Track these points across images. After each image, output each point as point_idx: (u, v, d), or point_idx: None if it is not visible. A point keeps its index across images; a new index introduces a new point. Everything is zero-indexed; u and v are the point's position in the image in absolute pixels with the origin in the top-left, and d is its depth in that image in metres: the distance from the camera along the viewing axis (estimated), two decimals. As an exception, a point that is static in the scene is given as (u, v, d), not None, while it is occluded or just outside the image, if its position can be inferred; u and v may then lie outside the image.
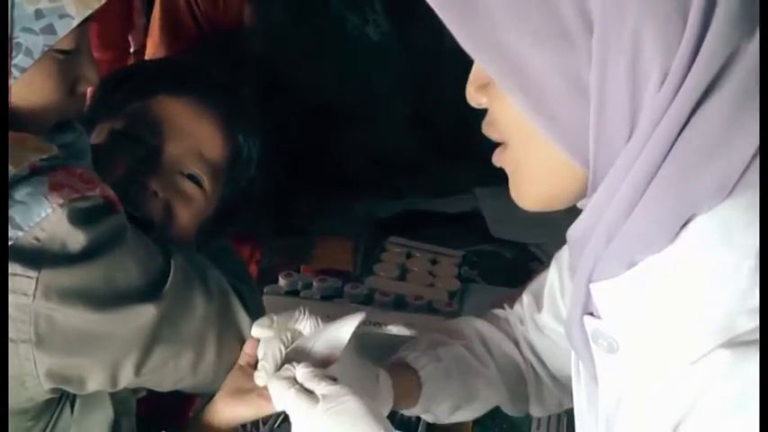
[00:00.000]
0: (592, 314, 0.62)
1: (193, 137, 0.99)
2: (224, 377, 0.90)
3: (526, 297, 1.03)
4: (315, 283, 1.44)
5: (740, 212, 0.54)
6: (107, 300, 0.77)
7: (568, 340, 0.68)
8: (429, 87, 2.22)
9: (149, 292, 0.80)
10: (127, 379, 0.82)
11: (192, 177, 0.99)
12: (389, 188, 1.96)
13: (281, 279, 1.45)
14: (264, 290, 1.42)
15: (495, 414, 1.28)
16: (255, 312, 0.92)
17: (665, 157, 0.52)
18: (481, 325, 1.05)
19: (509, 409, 1.05)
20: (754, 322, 0.53)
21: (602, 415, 0.67)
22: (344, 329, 0.87)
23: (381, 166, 1.98)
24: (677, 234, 0.55)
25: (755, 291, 0.53)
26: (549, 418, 1.27)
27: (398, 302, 1.43)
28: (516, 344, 1.03)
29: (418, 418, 1.13)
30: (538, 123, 0.56)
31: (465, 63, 0.62)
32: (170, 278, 0.82)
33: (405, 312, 1.39)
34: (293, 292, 1.42)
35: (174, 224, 0.97)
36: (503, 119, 0.61)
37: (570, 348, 0.71)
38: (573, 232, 0.61)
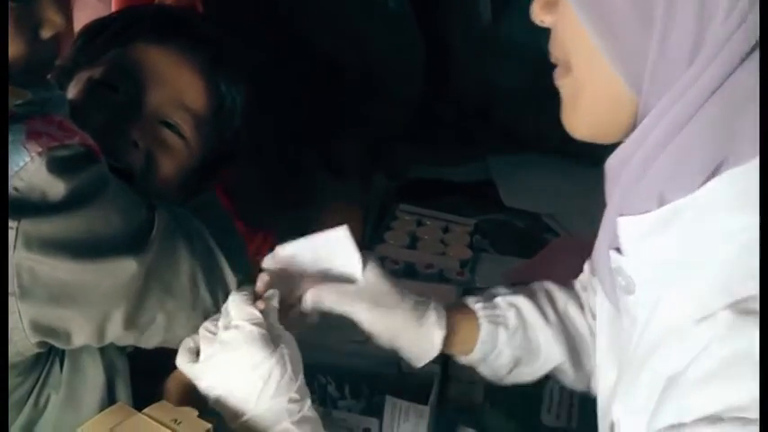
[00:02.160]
0: (618, 250, 0.64)
1: (174, 85, 0.97)
2: None
3: (587, 264, 0.98)
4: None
5: None
6: (89, 250, 0.75)
7: (597, 274, 0.70)
8: (443, 60, 2.21)
9: (132, 243, 0.79)
10: (115, 333, 0.80)
11: (172, 127, 0.96)
12: (401, 155, 1.94)
13: (287, 246, 1.40)
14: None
15: (507, 390, 1.27)
16: (242, 269, 0.90)
17: (713, 93, 0.54)
18: (549, 284, 1.00)
19: (570, 378, 0.97)
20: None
21: (618, 361, 0.69)
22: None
23: (391, 134, 1.96)
24: (706, 180, 0.56)
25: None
26: (562, 395, 1.24)
27: (409, 271, 1.39)
28: (582, 309, 0.97)
29: (429, 387, 1.10)
30: (600, 42, 0.58)
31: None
32: (153, 231, 0.81)
33: (415, 281, 1.35)
34: (301, 261, 1.38)
35: (155, 175, 0.95)
36: (568, 38, 0.62)
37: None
38: (610, 161, 0.62)
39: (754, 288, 0.53)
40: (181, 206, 0.93)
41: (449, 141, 2.09)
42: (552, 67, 0.67)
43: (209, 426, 0.75)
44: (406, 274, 1.37)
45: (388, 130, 1.95)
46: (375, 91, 1.93)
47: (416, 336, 0.88)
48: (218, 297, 0.87)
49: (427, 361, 0.91)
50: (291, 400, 0.77)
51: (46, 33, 0.77)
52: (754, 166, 0.55)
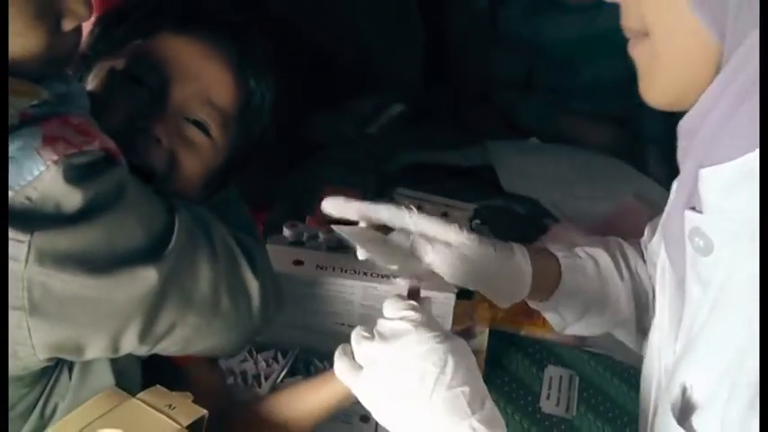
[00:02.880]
0: (693, 209, 0.62)
1: (201, 80, 0.91)
2: (235, 338, 0.85)
3: (648, 227, 0.96)
4: (321, 235, 1.38)
5: None
6: (106, 263, 0.70)
7: (664, 238, 0.68)
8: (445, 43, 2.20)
9: (151, 253, 0.73)
10: (130, 346, 0.76)
11: (198, 124, 0.91)
12: (400, 139, 1.93)
13: (285, 230, 1.39)
14: (268, 240, 1.36)
15: (505, 372, 1.26)
16: (263, 271, 0.86)
17: None
18: (622, 241, 0.98)
19: (631, 338, 0.96)
20: None
21: (685, 328, 0.67)
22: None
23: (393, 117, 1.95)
24: None
25: None
26: (561, 382, 1.23)
27: (407, 255, 1.37)
28: (646, 269, 0.97)
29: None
30: None
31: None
32: (173, 237, 0.75)
33: (414, 266, 1.34)
34: (298, 243, 1.36)
35: (178, 175, 0.90)
36: (650, 3, 0.61)
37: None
38: (687, 118, 0.61)
39: None
40: (200, 204, 0.88)
41: (447, 126, 2.08)
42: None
43: (204, 411, 0.74)
44: (405, 259, 1.35)
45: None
46: (374, 77, 1.92)
47: (507, 273, 0.88)
48: (240, 304, 0.83)
49: (519, 299, 0.91)
50: (472, 394, 0.68)
51: (68, 25, 0.72)
52: None
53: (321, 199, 0.89)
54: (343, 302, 1.11)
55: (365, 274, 1.11)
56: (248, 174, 1.20)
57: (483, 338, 1.17)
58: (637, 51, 0.65)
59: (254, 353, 1.12)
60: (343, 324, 1.12)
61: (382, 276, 1.13)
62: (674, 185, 0.67)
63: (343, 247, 1.37)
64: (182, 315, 0.77)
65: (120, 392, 0.75)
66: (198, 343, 0.82)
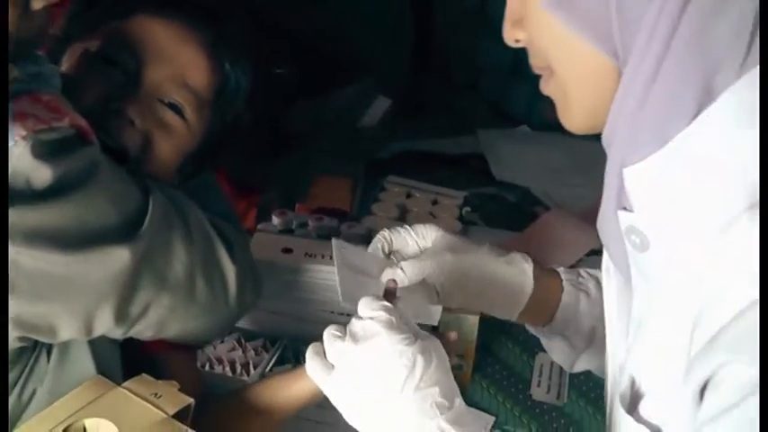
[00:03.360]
0: (625, 209, 0.63)
1: (176, 62, 0.90)
2: (211, 324, 0.85)
3: None
4: (310, 222, 1.38)
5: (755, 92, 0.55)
6: (77, 241, 0.70)
7: (603, 239, 0.69)
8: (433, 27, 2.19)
9: (124, 232, 0.73)
10: (104, 326, 0.76)
11: (173, 106, 0.90)
12: (390, 127, 1.92)
13: (274, 217, 1.38)
14: (258, 227, 1.36)
15: (495, 360, 1.26)
16: (241, 258, 0.85)
17: (681, 15, 0.55)
18: None
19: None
20: None
21: (634, 320, 0.68)
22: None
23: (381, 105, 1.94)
24: (702, 105, 0.56)
25: None
26: (552, 369, 1.23)
27: (397, 243, 1.36)
28: None
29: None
30: (566, 20, 0.60)
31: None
32: (148, 217, 0.75)
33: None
34: (287, 231, 1.36)
35: (152, 157, 0.89)
36: (543, 41, 0.64)
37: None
38: (605, 129, 0.63)
39: None
40: (177, 188, 0.87)
41: (437, 114, 2.08)
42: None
43: (191, 400, 0.73)
44: (395, 247, 1.34)
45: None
46: (359, 67, 1.91)
47: (505, 275, 0.86)
48: (216, 290, 0.82)
49: (519, 309, 0.87)
50: (441, 394, 0.69)
51: (37, 4, 0.70)
52: (746, 78, 0.56)
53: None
54: (333, 291, 1.10)
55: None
56: (235, 160, 1.19)
57: (473, 326, 1.16)
58: (548, 88, 0.68)
59: (243, 341, 1.11)
60: (332, 312, 1.10)
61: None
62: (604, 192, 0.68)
63: (333, 235, 1.37)
64: (156, 296, 0.76)
65: (106, 381, 0.75)
66: (173, 326, 0.81)
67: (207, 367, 1.06)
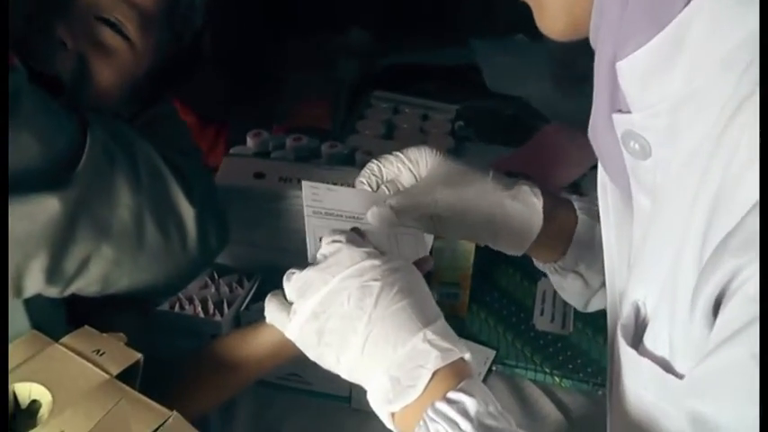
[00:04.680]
0: (620, 111, 0.58)
1: None
2: (167, 275, 0.75)
3: None
4: (288, 143, 1.26)
5: None
6: None
7: (597, 152, 0.63)
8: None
9: (53, 176, 0.65)
10: (36, 286, 0.67)
11: (112, 24, 0.79)
12: (375, 38, 1.79)
13: (249, 139, 1.26)
14: (230, 151, 1.24)
15: (494, 288, 1.16)
16: (202, 197, 0.76)
17: None
18: None
19: None
20: None
21: (635, 241, 0.62)
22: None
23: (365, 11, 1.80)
24: None
25: None
26: (555, 296, 1.13)
27: (384, 163, 1.25)
28: None
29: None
30: None
31: None
32: (84, 157, 0.66)
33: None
34: (263, 154, 1.24)
35: (91, 84, 0.78)
36: None
37: None
38: (591, 27, 0.57)
39: None
40: (128, 121, 0.78)
41: (426, 24, 1.94)
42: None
43: (139, 355, 0.63)
44: (382, 168, 1.23)
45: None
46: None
47: (511, 210, 0.75)
48: (171, 235, 0.73)
49: (527, 246, 0.77)
50: (420, 307, 0.60)
51: None
52: None
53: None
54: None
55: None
56: (202, 89, 1.07)
57: (469, 251, 1.06)
58: None
59: (216, 277, 1.01)
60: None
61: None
62: (594, 95, 0.61)
63: (313, 156, 1.25)
64: (96, 249, 0.68)
65: (41, 337, 0.64)
66: (121, 281, 0.72)
67: (176, 308, 0.96)
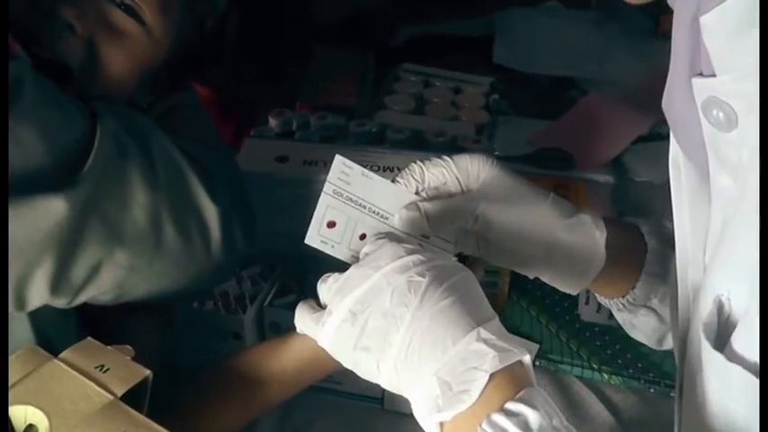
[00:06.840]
0: (701, 75, 0.50)
1: None
2: (188, 280, 0.70)
3: None
4: (312, 122, 1.19)
5: None
6: None
7: (671, 125, 0.56)
8: None
9: (59, 175, 0.59)
10: (40, 298, 0.62)
11: (127, 8, 0.74)
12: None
13: (270, 119, 1.20)
14: (251, 133, 1.17)
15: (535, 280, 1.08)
16: (226, 194, 0.70)
17: None
18: None
19: None
20: None
21: (715, 228, 0.54)
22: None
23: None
24: None
25: None
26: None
27: (415, 140, 1.17)
28: None
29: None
30: None
31: None
32: (93, 152, 0.61)
33: (424, 152, 1.14)
34: (286, 134, 1.17)
35: (102, 71, 0.73)
36: None
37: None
38: None
39: None
40: (143, 111, 0.73)
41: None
42: None
43: (147, 372, 0.56)
44: (413, 145, 1.15)
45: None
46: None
47: (570, 243, 0.66)
48: (192, 234, 0.67)
49: (584, 284, 0.69)
50: (474, 303, 0.54)
51: None
52: None
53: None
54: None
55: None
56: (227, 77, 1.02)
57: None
58: None
59: (237, 269, 0.94)
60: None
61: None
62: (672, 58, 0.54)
63: (339, 136, 1.18)
64: (108, 254, 0.63)
65: (40, 352, 0.57)
66: (137, 288, 0.67)
67: (195, 303, 0.89)
